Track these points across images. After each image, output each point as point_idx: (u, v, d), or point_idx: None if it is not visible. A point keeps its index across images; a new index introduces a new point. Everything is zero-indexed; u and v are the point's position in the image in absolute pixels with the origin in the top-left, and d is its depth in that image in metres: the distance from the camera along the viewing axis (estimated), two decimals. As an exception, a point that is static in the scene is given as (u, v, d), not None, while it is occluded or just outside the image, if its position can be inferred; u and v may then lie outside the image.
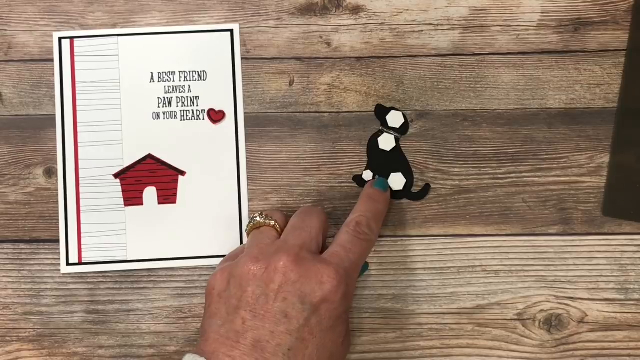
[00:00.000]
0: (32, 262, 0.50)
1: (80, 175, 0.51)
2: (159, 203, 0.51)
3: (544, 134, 0.51)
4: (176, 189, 0.51)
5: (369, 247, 0.46)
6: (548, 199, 0.50)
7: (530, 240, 0.50)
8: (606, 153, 0.50)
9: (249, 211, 0.50)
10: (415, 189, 0.50)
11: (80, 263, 0.50)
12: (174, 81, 0.51)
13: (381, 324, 0.50)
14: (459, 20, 0.51)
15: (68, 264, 0.50)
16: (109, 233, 0.50)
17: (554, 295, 0.50)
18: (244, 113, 0.51)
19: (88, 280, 0.50)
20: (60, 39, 0.51)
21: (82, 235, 0.50)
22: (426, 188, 0.50)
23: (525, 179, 0.50)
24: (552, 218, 0.50)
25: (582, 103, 0.51)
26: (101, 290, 0.50)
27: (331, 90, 0.51)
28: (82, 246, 0.50)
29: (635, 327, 0.49)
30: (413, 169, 0.51)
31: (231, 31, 0.51)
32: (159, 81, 0.51)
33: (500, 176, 0.50)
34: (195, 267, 0.50)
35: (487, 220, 0.50)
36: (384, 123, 0.51)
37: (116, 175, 0.51)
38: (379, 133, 0.51)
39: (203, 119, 0.51)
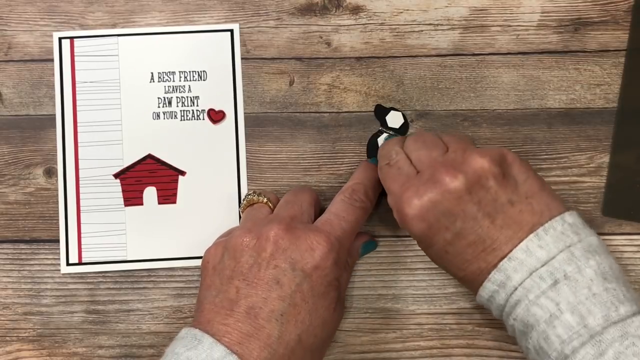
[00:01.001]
0: (32, 262, 0.50)
1: (80, 175, 0.51)
2: (159, 203, 0.51)
3: (544, 134, 0.51)
4: (176, 189, 0.51)
5: (364, 215, 0.46)
6: (548, 199, 0.50)
7: (530, 240, 0.50)
8: (606, 153, 0.50)
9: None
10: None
11: (80, 263, 0.50)
12: (174, 81, 0.51)
13: (381, 324, 0.50)
14: (459, 20, 0.51)
15: (68, 264, 0.50)
16: (109, 233, 0.50)
17: (554, 295, 0.49)
18: (244, 113, 0.51)
19: (88, 280, 0.50)
20: (60, 39, 0.51)
21: (82, 235, 0.50)
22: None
23: (525, 179, 0.50)
24: (552, 218, 0.50)
25: (582, 103, 0.51)
26: (101, 290, 0.50)
27: (331, 90, 0.51)
28: (82, 246, 0.50)
29: (635, 327, 0.49)
30: (413, 169, 0.51)
31: (231, 31, 0.51)
32: (159, 81, 0.51)
33: (500, 176, 0.50)
34: (195, 267, 0.50)
35: (487, 220, 0.50)
36: (384, 123, 0.51)
37: (116, 175, 0.51)
38: (378, 133, 0.51)
39: (203, 119, 0.51)
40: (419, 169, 0.44)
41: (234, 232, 0.44)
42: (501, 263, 0.40)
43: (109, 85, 0.51)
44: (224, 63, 0.51)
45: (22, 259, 0.50)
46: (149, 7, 0.52)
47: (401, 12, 0.51)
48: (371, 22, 0.51)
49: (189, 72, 0.51)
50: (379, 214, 0.50)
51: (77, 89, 0.51)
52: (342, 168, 0.51)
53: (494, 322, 0.49)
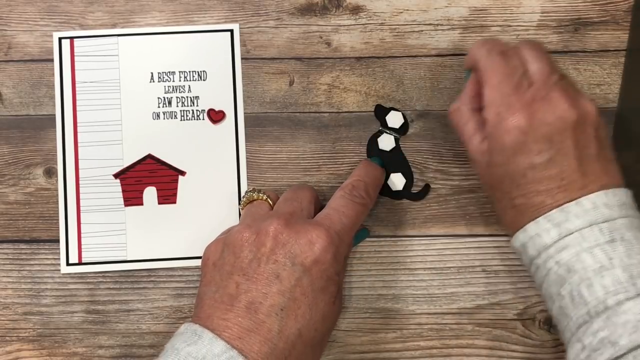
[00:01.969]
0: (32, 262, 0.50)
1: (80, 175, 0.51)
2: (159, 203, 0.51)
3: (544, 134, 0.51)
4: (176, 189, 0.51)
5: (364, 212, 0.46)
6: (548, 199, 0.50)
7: (530, 240, 0.50)
8: (606, 153, 0.50)
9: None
10: (415, 189, 0.50)
11: (80, 263, 0.50)
12: (174, 81, 0.51)
13: (381, 324, 0.50)
14: (459, 20, 0.51)
15: (68, 264, 0.50)
16: (109, 233, 0.50)
17: (554, 295, 0.49)
18: (244, 113, 0.51)
19: (88, 280, 0.50)
20: (60, 39, 0.51)
21: (82, 235, 0.50)
22: (426, 188, 0.50)
23: (525, 179, 0.50)
24: (552, 218, 0.50)
25: (582, 103, 0.51)
26: (101, 290, 0.50)
27: (331, 90, 0.51)
28: (82, 246, 0.50)
29: (635, 327, 0.49)
30: (413, 169, 0.51)
31: (231, 31, 0.52)
32: (159, 81, 0.51)
33: (500, 176, 0.50)
34: (195, 267, 0.50)
35: (487, 220, 0.50)
36: (384, 123, 0.51)
37: (116, 175, 0.51)
38: (378, 133, 0.51)
39: (203, 119, 0.51)
40: (534, 80, 0.43)
41: (234, 228, 0.44)
42: (567, 205, 0.41)
43: (109, 85, 0.51)
44: (224, 63, 0.51)
45: (22, 259, 0.50)
46: (149, 7, 0.52)
47: (401, 12, 0.51)
48: (371, 22, 0.51)
49: (189, 72, 0.51)
50: (378, 213, 0.50)
51: (77, 89, 0.51)
52: (342, 168, 0.51)
53: (494, 322, 0.49)
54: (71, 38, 0.51)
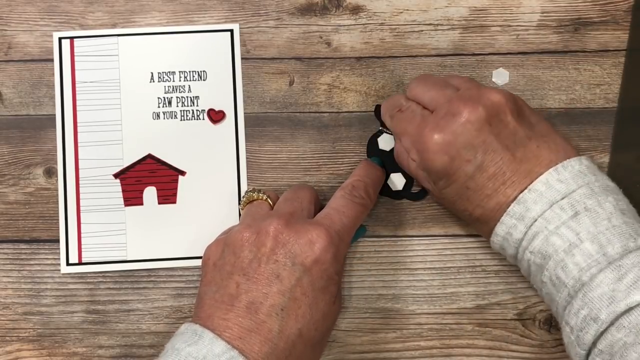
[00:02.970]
0: (32, 262, 0.50)
1: (80, 175, 0.51)
2: (159, 203, 0.51)
3: (544, 134, 0.51)
4: (176, 189, 0.51)
5: (364, 212, 0.46)
6: (548, 199, 0.50)
7: (530, 240, 0.50)
8: (606, 153, 0.50)
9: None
10: (415, 189, 0.50)
11: (80, 263, 0.50)
12: (174, 81, 0.51)
13: (381, 324, 0.50)
14: (459, 20, 0.51)
15: (68, 264, 0.50)
16: (109, 233, 0.50)
17: (554, 295, 0.49)
18: (244, 113, 0.51)
19: (88, 280, 0.50)
20: (60, 39, 0.51)
21: (82, 235, 0.50)
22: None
23: (525, 179, 0.50)
24: (552, 218, 0.50)
25: (582, 103, 0.51)
26: (101, 290, 0.50)
27: (331, 90, 0.51)
28: (82, 246, 0.50)
29: (635, 327, 0.49)
30: (413, 169, 0.51)
31: (231, 31, 0.52)
32: (159, 81, 0.51)
33: (500, 176, 0.50)
34: (195, 267, 0.50)
35: (487, 220, 0.50)
36: (384, 123, 0.51)
37: (116, 175, 0.51)
38: (378, 133, 0.51)
39: (203, 119, 0.51)
40: (432, 108, 0.44)
41: (234, 228, 0.44)
42: (521, 195, 0.41)
43: (108, 85, 0.51)
44: (224, 63, 0.51)
45: (22, 259, 0.50)
46: (149, 7, 0.52)
47: (401, 12, 0.51)
48: (371, 22, 0.51)
49: (189, 72, 0.51)
50: (378, 213, 0.50)
51: (77, 89, 0.51)
52: (342, 168, 0.51)
53: (494, 322, 0.49)
54: (71, 38, 0.51)
